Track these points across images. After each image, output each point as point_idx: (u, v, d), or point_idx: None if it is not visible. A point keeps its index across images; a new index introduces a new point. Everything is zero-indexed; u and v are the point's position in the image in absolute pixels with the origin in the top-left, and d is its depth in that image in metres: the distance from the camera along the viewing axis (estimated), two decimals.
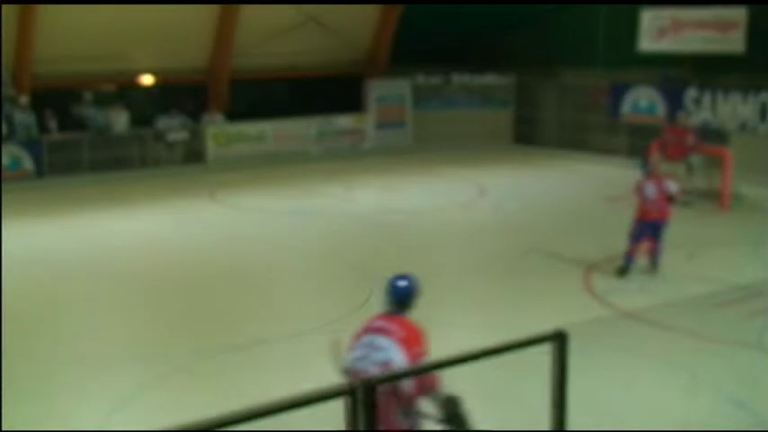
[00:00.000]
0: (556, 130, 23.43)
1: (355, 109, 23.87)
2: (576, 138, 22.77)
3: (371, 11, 23.36)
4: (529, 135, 23.65)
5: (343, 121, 23.60)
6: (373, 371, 5.51)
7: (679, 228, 15.45)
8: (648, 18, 20.96)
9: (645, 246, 12.18)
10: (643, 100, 21.45)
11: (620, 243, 13.29)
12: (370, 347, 5.83)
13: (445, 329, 10.07)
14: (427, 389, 5.56)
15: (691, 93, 20.35)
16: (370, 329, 5.93)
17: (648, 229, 12.06)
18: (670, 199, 12.07)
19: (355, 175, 20.65)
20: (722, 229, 15.56)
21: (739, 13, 19.26)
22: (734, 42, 19.35)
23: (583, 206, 17.43)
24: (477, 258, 13.41)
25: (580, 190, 18.86)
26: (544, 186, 19.11)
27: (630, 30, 21.14)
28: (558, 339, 4.44)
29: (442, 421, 5.52)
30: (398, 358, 5.68)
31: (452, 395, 5.52)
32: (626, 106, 21.74)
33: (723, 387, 8.46)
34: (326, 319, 10.15)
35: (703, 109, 19.98)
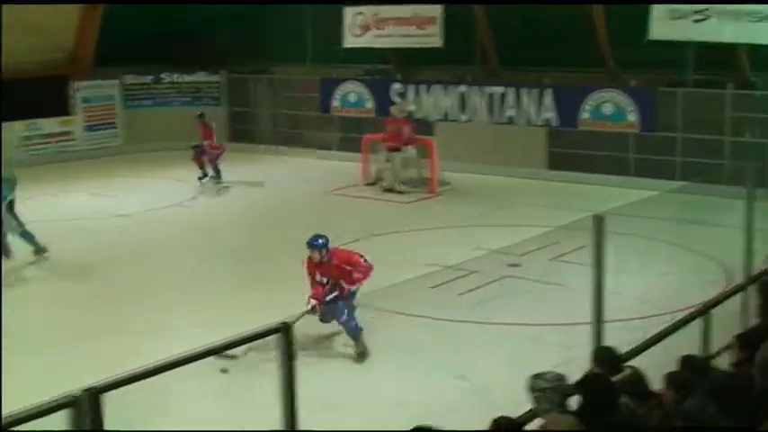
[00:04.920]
0: (271, 126, 23.59)
1: (61, 111, 22.76)
2: (290, 133, 23.05)
3: (72, 9, 22.29)
4: (244, 132, 23.65)
5: (49, 124, 22.46)
6: None
7: (394, 215, 16.20)
8: (351, 15, 21.56)
9: None
10: (352, 95, 22.06)
11: (346, 230, 13.67)
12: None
13: (186, 330, 9.91)
14: None
15: (395, 86, 21.19)
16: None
17: None
18: None
19: (66, 179, 19.70)
20: (433, 215, 16.40)
21: (435, 10, 20.26)
22: (432, 37, 20.36)
23: (308, 199, 17.78)
24: (211, 255, 13.31)
25: (302, 184, 19.18)
26: (267, 182, 19.27)
27: (336, 26, 21.61)
28: (284, 331, 4.51)
29: None
30: None
31: None
32: (335, 101, 22.27)
33: (445, 363, 8.95)
34: None
35: (408, 101, 20.85)
